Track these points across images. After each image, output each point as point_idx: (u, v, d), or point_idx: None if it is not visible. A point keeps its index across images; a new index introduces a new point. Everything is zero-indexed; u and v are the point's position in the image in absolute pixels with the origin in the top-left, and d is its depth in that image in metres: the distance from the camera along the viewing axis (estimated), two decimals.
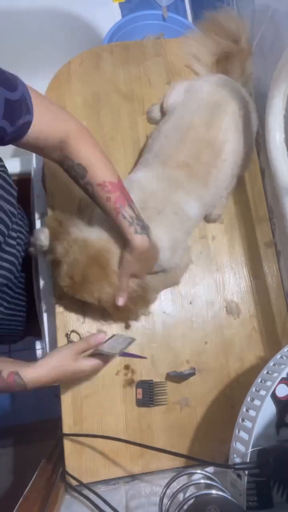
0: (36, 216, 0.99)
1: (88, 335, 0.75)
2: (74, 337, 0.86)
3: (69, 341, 0.85)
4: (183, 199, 0.82)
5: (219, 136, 0.85)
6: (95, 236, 0.78)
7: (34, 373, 0.67)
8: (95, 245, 0.76)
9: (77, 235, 0.77)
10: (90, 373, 0.76)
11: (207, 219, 0.95)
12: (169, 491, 0.63)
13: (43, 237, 0.80)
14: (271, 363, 0.70)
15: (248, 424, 0.64)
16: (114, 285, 0.76)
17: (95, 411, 0.84)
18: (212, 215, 0.94)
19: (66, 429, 0.83)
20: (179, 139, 0.85)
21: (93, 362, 0.72)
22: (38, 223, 0.98)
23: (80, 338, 0.84)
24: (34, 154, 1.06)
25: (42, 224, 0.94)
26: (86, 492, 0.75)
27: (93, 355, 0.73)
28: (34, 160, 1.06)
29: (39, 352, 1.00)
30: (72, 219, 0.81)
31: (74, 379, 0.75)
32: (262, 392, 0.65)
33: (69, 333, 0.85)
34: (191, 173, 0.83)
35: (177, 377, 0.86)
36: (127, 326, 0.89)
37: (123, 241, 0.75)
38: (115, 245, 0.77)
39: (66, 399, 0.84)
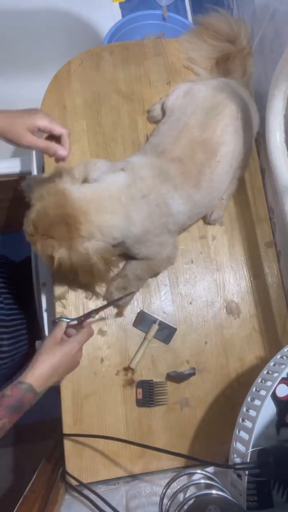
0: None
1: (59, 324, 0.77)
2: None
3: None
4: (170, 192, 0.82)
5: (213, 137, 0.85)
6: (78, 194, 0.75)
7: (32, 373, 0.67)
8: (75, 205, 0.73)
9: (60, 187, 0.74)
10: (79, 347, 0.75)
11: (207, 220, 0.95)
12: (169, 491, 0.62)
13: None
14: (271, 363, 0.70)
15: (248, 424, 0.64)
16: (74, 251, 0.73)
17: (95, 411, 0.84)
18: (212, 215, 0.93)
19: (66, 429, 0.83)
20: (176, 137, 0.85)
21: (78, 337, 0.75)
22: None
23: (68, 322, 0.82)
24: (34, 154, 1.05)
25: None
26: (86, 492, 0.75)
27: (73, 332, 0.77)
28: (34, 160, 1.05)
29: None
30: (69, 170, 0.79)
31: (74, 362, 0.75)
32: (263, 392, 0.65)
33: (56, 320, 0.81)
34: (183, 169, 0.83)
35: (177, 377, 0.86)
36: (120, 314, 0.89)
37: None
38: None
39: (66, 399, 0.84)
